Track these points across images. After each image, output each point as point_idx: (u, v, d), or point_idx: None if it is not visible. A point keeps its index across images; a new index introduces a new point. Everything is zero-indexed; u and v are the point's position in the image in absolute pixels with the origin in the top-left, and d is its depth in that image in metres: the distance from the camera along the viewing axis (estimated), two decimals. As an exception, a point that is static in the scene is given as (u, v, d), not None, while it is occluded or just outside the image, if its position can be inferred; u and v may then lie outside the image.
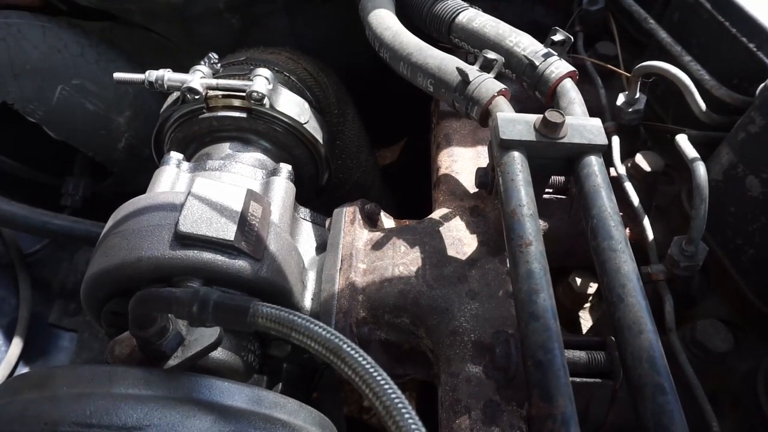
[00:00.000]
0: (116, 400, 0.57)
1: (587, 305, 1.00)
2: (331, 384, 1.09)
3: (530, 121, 0.75)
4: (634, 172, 0.94)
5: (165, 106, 1.10)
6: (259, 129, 1.05)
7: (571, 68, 0.89)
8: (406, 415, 0.50)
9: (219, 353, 0.77)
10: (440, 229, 0.93)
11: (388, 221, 1.05)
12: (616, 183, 0.89)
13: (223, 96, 1.03)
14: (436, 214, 0.97)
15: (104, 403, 0.56)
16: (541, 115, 0.74)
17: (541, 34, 0.96)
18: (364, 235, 0.96)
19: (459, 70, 0.87)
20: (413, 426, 0.49)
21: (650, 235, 0.88)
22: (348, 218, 0.99)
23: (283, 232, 0.90)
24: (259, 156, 1.06)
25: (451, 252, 0.90)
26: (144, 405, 0.57)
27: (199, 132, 1.07)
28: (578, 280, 0.98)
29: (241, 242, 0.78)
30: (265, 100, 1.01)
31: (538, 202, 0.72)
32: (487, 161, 0.94)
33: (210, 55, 1.08)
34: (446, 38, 1.07)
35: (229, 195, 0.83)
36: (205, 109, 1.04)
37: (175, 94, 1.06)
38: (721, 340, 0.79)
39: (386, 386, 0.51)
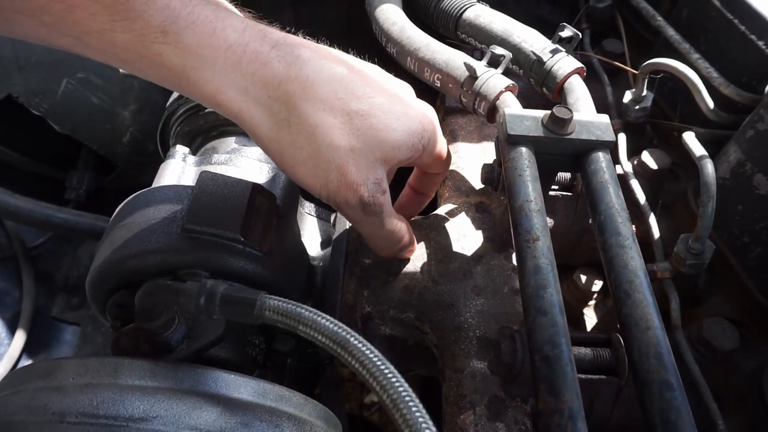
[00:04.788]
0: (123, 391, 0.57)
1: (591, 302, 1.00)
2: (333, 380, 1.09)
3: (538, 117, 0.75)
4: (641, 170, 0.94)
5: (171, 100, 1.09)
6: (265, 123, 1.05)
7: (579, 65, 0.89)
8: (414, 409, 0.49)
9: (224, 346, 0.77)
10: (445, 224, 0.93)
11: (393, 217, 1.04)
12: (622, 181, 0.89)
13: (230, 90, 1.02)
14: (442, 210, 0.97)
15: (111, 394, 0.56)
16: (549, 111, 0.74)
17: (547, 30, 0.95)
18: (369, 230, 0.96)
19: (467, 65, 0.87)
20: (420, 419, 0.49)
21: (656, 232, 0.88)
22: (353, 213, 0.98)
23: (288, 227, 0.89)
24: (265, 150, 1.06)
25: (456, 248, 0.90)
26: (150, 396, 0.57)
27: (205, 126, 1.07)
28: (583, 278, 0.97)
29: (247, 236, 0.78)
30: (272, 94, 1.00)
31: (544, 199, 0.72)
32: (493, 158, 0.94)
33: (216, 48, 1.08)
34: (453, 34, 1.06)
35: (234, 189, 0.82)
36: (212, 103, 1.03)
37: (181, 88, 1.05)
38: (727, 339, 0.79)
39: (394, 379, 0.51)
